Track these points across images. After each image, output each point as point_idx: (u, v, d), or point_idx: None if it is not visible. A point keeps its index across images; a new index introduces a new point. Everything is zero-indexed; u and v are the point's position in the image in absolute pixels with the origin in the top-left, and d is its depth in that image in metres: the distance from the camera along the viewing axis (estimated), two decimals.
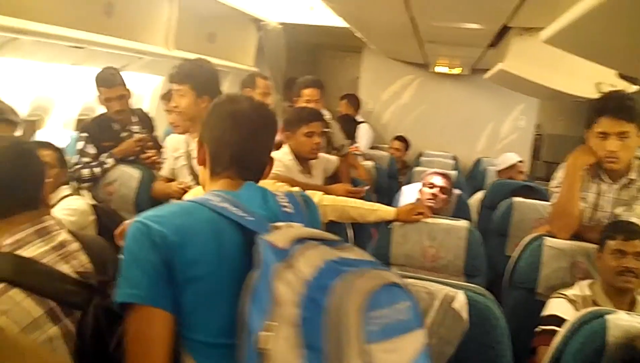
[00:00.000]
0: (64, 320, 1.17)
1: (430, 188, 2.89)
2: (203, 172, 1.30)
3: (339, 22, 3.95)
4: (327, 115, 3.42)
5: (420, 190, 2.97)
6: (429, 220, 2.25)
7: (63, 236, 1.27)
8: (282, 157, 2.63)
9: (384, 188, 4.04)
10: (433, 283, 1.44)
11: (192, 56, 3.85)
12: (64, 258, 1.24)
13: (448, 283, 1.45)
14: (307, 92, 3.30)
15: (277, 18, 4.90)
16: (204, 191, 1.28)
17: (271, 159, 1.35)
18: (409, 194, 3.18)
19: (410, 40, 3.86)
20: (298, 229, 1.12)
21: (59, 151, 2.20)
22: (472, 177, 5.22)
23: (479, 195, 3.79)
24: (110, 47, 3.15)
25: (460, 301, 1.40)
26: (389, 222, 2.26)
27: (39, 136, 3.47)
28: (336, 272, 0.97)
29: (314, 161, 2.75)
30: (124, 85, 2.94)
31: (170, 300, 1.06)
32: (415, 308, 1.01)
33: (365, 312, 0.91)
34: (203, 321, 1.08)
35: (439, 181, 2.90)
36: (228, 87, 4.73)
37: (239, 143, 1.25)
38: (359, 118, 5.14)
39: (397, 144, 5.07)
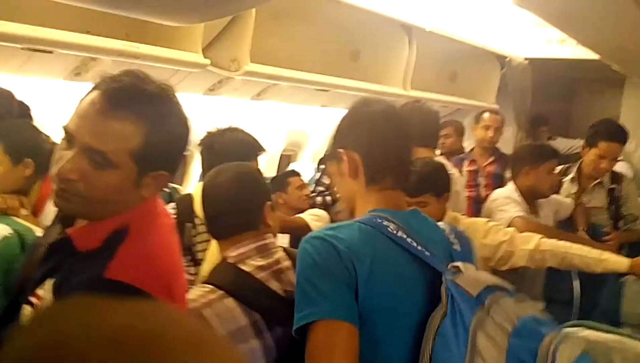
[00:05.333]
0: (265, 333, 1.28)
1: None
2: (352, 184, 1.20)
3: (594, 54, 3.65)
4: None
5: None
6: None
7: (279, 254, 1.40)
8: (510, 194, 2.54)
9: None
10: None
11: (430, 95, 4.01)
12: (276, 275, 1.35)
13: None
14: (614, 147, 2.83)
15: (523, 53, 4.73)
16: (357, 203, 1.20)
17: None
18: None
19: None
20: (482, 275, 1.11)
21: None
22: None
23: None
24: (353, 89, 3.46)
25: None
26: (622, 275, 2.01)
27: (292, 167, 3.98)
28: (538, 334, 0.99)
29: (542, 201, 2.59)
30: None
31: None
32: None
33: None
34: (382, 355, 1.06)
35: None
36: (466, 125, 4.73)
37: (398, 146, 1.20)
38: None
39: None
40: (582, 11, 2.31)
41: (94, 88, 0.98)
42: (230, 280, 1.32)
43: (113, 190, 0.96)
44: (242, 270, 1.33)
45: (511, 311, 1.02)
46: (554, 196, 2.74)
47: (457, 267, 1.09)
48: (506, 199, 2.49)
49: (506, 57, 4.68)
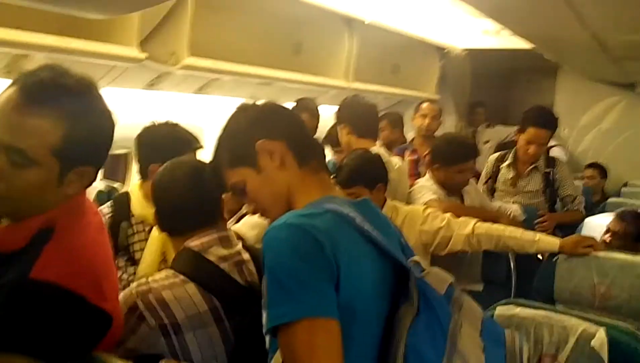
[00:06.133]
0: (224, 321, 1.28)
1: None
2: (282, 176, 1.13)
3: (528, 44, 3.78)
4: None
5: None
6: (601, 254, 2.03)
7: (239, 246, 1.41)
8: (425, 183, 2.61)
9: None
10: (571, 318, 1.34)
11: (372, 87, 4.07)
12: (238, 266, 1.36)
13: (589, 319, 1.33)
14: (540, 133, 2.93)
15: (460, 44, 4.86)
16: (294, 192, 1.13)
17: None
18: (591, 227, 2.86)
19: (602, 58, 3.54)
20: (442, 272, 1.13)
21: None
22: None
23: None
24: (296, 82, 3.47)
25: (600, 339, 1.27)
26: (554, 254, 2.11)
27: None
28: (498, 334, 1.11)
29: (467, 187, 2.67)
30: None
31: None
32: None
33: None
34: (354, 351, 0.98)
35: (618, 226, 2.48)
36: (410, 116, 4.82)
37: (306, 128, 1.22)
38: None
39: (590, 172, 4.60)
40: (514, 2, 2.41)
41: (11, 84, 0.95)
42: (192, 267, 1.32)
43: (35, 189, 0.93)
44: (205, 258, 1.33)
45: (477, 312, 1.10)
46: (473, 185, 2.82)
47: (418, 263, 1.09)
48: (421, 187, 2.56)
49: (444, 49, 4.80)
